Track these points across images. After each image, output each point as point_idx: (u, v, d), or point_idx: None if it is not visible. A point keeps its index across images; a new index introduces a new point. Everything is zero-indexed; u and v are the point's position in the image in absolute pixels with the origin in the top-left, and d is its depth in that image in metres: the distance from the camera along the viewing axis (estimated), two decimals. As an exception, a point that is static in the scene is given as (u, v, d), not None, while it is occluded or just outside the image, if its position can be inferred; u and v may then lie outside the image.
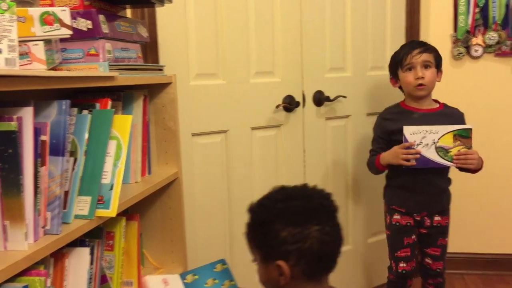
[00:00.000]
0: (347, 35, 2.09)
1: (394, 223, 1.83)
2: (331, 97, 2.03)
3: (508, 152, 2.37)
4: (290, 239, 0.95)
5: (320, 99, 2.01)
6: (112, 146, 1.08)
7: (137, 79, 1.24)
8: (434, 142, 1.65)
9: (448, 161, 1.66)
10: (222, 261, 1.15)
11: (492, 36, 2.25)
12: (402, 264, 1.82)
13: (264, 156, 1.92)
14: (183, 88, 1.64)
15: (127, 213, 1.29)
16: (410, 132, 1.65)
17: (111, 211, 1.03)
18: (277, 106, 1.90)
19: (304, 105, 1.99)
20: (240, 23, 1.80)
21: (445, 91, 2.36)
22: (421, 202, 1.79)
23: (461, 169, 1.72)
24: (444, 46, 2.33)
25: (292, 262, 0.95)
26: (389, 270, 1.90)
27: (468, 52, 2.31)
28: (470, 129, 1.67)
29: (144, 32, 1.37)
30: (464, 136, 1.66)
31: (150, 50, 1.60)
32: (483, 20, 2.26)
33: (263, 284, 1.02)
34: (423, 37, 2.29)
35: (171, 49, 1.66)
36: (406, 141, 1.65)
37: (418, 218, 1.81)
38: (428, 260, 1.85)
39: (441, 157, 1.66)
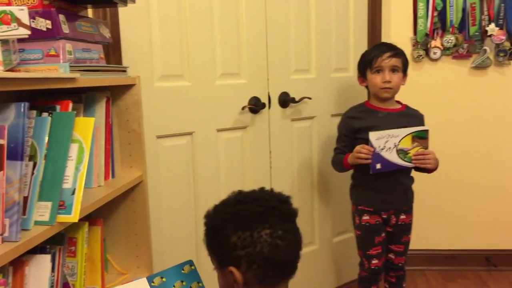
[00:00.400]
0: (311, 38, 2.11)
1: (364, 223, 1.87)
2: (297, 99, 2.05)
3: (465, 151, 2.46)
4: (240, 244, 0.93)
5: (285, 100, 2.03)
6: (73, 149, 1.05)
7: (99, 80, 1.22)
8: (395, 145, 1.71)
9: (407, 162, 1.73)
10: (190, 262, 1.14)
11: (450, 39, 2.33)
12: (374, 261, 1.87)
13: (230, 157, 1.92)
14: (147, 90, 1.62)
15: (90, 218, 1.26)
16: (376, 138, 1.69)
17: (73, 217, 1.00)
18: (243, 108, 1.90)
19: (269, 106, 1.99)
20: (205, 25, 1.79)
21: (405, 92, 2.41)
22: (387, 200, 1.84)
23: (419, 169, 1.79)
24: (404, 49, 2.36)
25: (244, 268, 0.93)
26: (361, 267, 1.93)
27: (427, 54, 2.38)
28: (427, 131, 1.74)
29: (106, 33, 1.34)
30: (422, 137, 1.73)
31: (112, 51, 1.57)
32: (441, 23, 2.34)
33: None
34: (384, 40, 2.34)
35: (134, 50, 1.63)
36: (372, 146, 1.69)
37: (385, 216, 1.86)
38: (391, 256, 1.91)
39: (401, 158, 1.72)
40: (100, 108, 1.30)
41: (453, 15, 2.31)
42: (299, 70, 2.08)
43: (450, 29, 2.33)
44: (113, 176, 1.38)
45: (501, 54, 2.33)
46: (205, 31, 1.79)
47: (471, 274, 2.50)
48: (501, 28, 2.30)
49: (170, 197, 1.77)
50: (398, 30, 2.38)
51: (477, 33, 2.32)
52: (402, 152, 1.72)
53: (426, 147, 1.75)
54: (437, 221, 2.53)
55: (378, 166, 1.71)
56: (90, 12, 1.48)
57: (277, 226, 0.94)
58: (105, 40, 1.34)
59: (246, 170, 1.97)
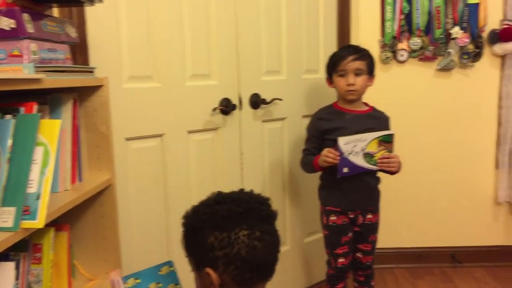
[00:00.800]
0: (282, 39, 2.12)
1: (331, 224, 1.89)
2: (268, 100, 2.05)
3: (431, 150, 2.53)
4: (217, 244, 0.92)
5: (256, 101, 2.03)
6: (38, 152, 1.02)
7: (65, 81, 1.18)
8: (362, 149, 1.74)
9: (373, 165, 1.77)
10: (169, 263, 1.11)
11: (416, 41, 2.39)
12: (341, 260, 1.90)
13: (202, 159, 1.90)
14: (115, 91, 1.58)
15: (56, 223, 1.22)
16: (344, 143, 1.71)
17: (38, 222, 0.97)
18: (214, 109, 1.88)
19: (241, 108, 1.99)
20: (175, 25, 1.77)
21: (374, 93, 2.46)
22: (354, 200, 1.87)
23: (383, 171, 1.83)
24: (373, 51, 2.40)
25: (221, 269, 0.92)
26: (328, 266, 1.96)
27: (394, 56, 2.43)
28: (393, 135, 1.78)
29: (72, 32, 1.31)
30: (387, 141, 1.78)
31: (79, 51, 1.53)
32: (408, 26, 2.39)
33: None
34: (353, 42, 2.37)
35: (102, 51, 1.59)
36: (340, 151, 1.71)
37: (352, 216, 1.88)
38: (359, 255, 1.95)
39: (367, 162, 1.76)
40: (67, 110, 1.27)
41: (419, 18, 2.36)
42: (270, 71, 2.09)
43: (417, 32, 2.38)
44: (80, 179, 1.35)
45: (465, 57, 2.40)
46: (175, 32, 1.77)
47: (437, 271, 2.56)
48: (465, 31, 2.37)
49: (140, 200, 1.74)
50: (366, 32, 2.42)
51: (442, 36, 2.38)
52: (368, 156, 1.75)
53: (390, 151, 1.79)
54: (405, 220, 2.58)
55: (345, 170, 1.74)
56: (55, 12, 1.44)
57: (255, 227, 0.93)
58: (72, 40, 1.30)
59: (217, 171, 1.95)
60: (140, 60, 1.70)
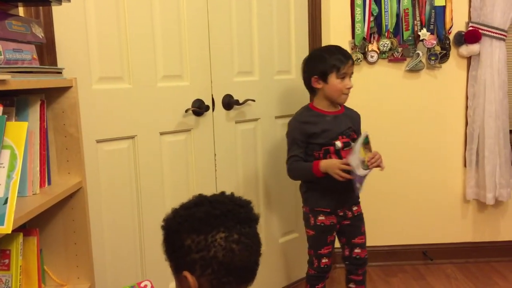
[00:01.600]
0: (254, 41, 2.13)
1: (319, 224, 1.89)
2: (240, 101, 2.05)
3: (401, 150, 2.58)
4: (194, 247, 0.90)
5: (229, 102, 2.02)
6: (5, 156, 0.99)
7: (32, 82, 1.15)
8: (359, 159, 1.75)
9: (366, 169, 1.79)
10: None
11: (385, 43, 2.43)
12: (324, 260, 1.91)
13: (174, 161, 1.89)
14: (85, 92, 1.56)
15: (25, 228, 1.19)
16: (352, 161, 1.74)
17: (6, 228, 0.94)
18: (187, 110, 1.87)
19: (213, 109, 1.98)
20: (145, 25, 1.75)
21: (346, 95, 2.50)
22: (342, 199, 1.89)
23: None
24: (344, 52, 2.47)
25: (198, 272, 0.91)
26: (310, 266, 1.96)
27: (365, 57, 2.47)
28: (367, 135, 1.82)
29: (39, 32, 1.28)
30: (367, 142, 1.81)
31: (47, 51, 1.49)
32: (378, 28, 2.43)
33: None
34: (325, 43, 2.40)
35: (70, 51, 1.56)
36: (353, 170, 1.74)
37: (342, 214, 1.91)
38: (357, 250, 1.96)
39: (364, 169, 1.77)
40: (34, 112, 1.24)
41: (388, 20, 2.41)
42: (242, 72, 2.09)
43: (386, 34, 2.43)
44: (49, 183, 1.31)
45: (433, 58, 2.46)
46: (145, 32, 1.75)
47: (409, 268, 2.61)
48: (432, 33, 2.43)
49: (112, 203, 1.71)
50: (337, 34, 2.45)
51: (410, 38, 2.44)
52: (362, 163, 1.77)
53: (371, 150, 1.82)
54: (377, 219, 2.62)
55: (358, 185, 1.79)
56: (21, 11, 1.41)
57: (233, 230, 0.91)
58: (38, 40, 1.27)
59: (190, 173, 1.94)
60: (110, 60, 1.67)
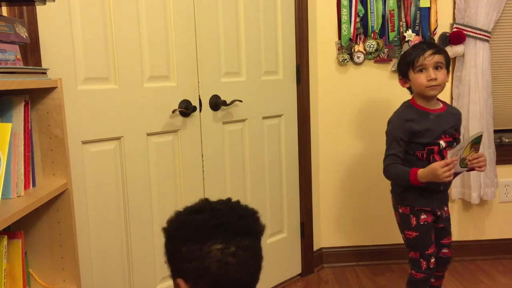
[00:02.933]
0: (241, 41, 2.13)
1: (422, 223, 1.83)
2: (228, 101, 2.05)
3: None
4: (189, 255, 0.88)
5: (216, 103, 2.02)
6: (-12, 157, 0.97)
7: (16, 83, 1.14)
8: (460, 156, 1.70)
9: (463, 167, 1.74)
10: None
11: (372, 44, 2.45)
12: (432, 260, 1.85)
13: (162, 162, 1.88)
14: (70, 93, 1.54)
15: (9, 231, 1.17)
16: (451, 155, 1.66)
17: (-11, 230, 0.93)
18: (174, 111, 1.86)
19: (201, 109, 1.98)
20: (132, 25, 1.74)
21: (332, 95, 2.51)
22: (441, 198, 1.87)
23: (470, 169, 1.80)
24: (330, 53, 2.48)
25: (191, 282, 0.88)
26: (417, 269, 1.87)
27: (351, 58, 2.48)
28: (482, 135, 1.75)
29: (23, 32, 1.26)
30: (478, 142, 1.74)
31: (31, 52, 1.48)
32: (364, 29, 2.45)
33: None
34: (311, 44, 2.41)
35: (55, 51, 1.54)
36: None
37: (439, 213, 1.87)
38: (445, 250, 1.93)
39: (460, 166, 1.72)
40: (18, 113, 1.22)
41: (374, 21, 2.43)
42: (229, 73, 2.09)
43: (372, 35, 2.45)
44: (34, 185, 1.29)
45: (418, 59, 2.48)
46: (132, 32, 1.74)
47: (396, 267, 2.63)
48: (417, 34, 2.45)
49: (98, 205, 1.69)
50: (324, 34, 2.46)
51: (396, 39, 2.46)
52: (462, 160, 1.71)
53: (478, 151, 1.76)
54: (364, 218, 2.64)
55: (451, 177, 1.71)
56: (4, 10, 1.39)
57: (230, 242, 0.87)
58: (22, 40, 1.25)
59: (178, 174, 1.93)
60: (96, 61, 1.65)
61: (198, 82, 1.96)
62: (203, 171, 2.02)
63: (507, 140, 2.63)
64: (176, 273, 0.91)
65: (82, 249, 1.55)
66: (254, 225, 0.93)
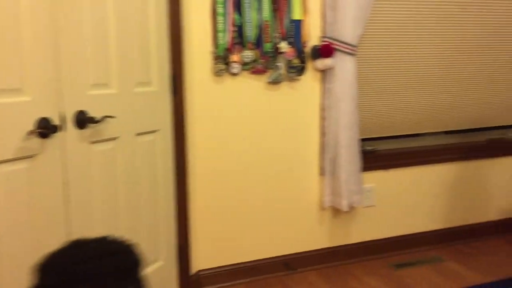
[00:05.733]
0: (111, 48, 1.83)
1: None
2: (96, 118, 1.73)
3: (260, 161, 2.53)
4: None
5: (83, 120, 1.70)
6: None
7: None
8: None
9: None
10: None
11: (248, 54, 2.36)
12: None
13: (13, 197, 1.49)
14: None
15: None
16: None
17: None
18: (29, 132, 1.49)
19: (64, 128, 1.63)
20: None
21: (208, 106, 2.36)
22: None
23: None
24: (205, 63, 2.32)
25: None
26: None
27: (228, 69, 2.35)
28: None
29: None
30: None
31: None
32: (240, 39, 2.34)
33: None
34: (187, 53, 2.22)
35: None
36: None
37: None
38: None
39: None
40: None
41: (251, 31, 2.34)
42: (97, 84, 1.77)
43: (248, 45, 2.35)
44: None
45: (292, 71, 2.47)
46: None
47: (274, 281, 2.59)
48: (291, 46, 2.44)
49: None
50: (199, 43, 2.29)
51: (271, 50, 2.41)
52: None
53: None
54: (235, 235, 2.54)
55: None
56: None
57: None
58: None
59: (35, 210, 1.56)
60: None
61: (60, 96, 1.61)
62: (69, 201, 1.67)
63: (369, 148, 2.80)
64: None
65: None
66: (127, 262, 0.86)
